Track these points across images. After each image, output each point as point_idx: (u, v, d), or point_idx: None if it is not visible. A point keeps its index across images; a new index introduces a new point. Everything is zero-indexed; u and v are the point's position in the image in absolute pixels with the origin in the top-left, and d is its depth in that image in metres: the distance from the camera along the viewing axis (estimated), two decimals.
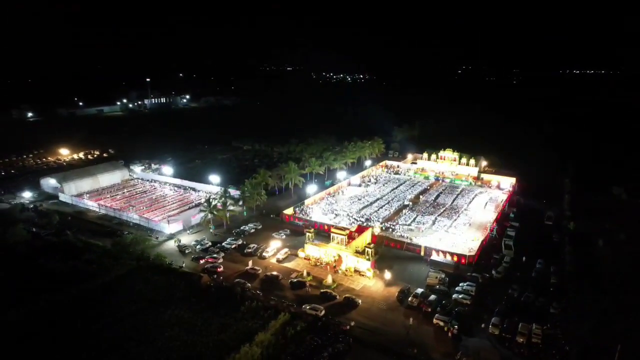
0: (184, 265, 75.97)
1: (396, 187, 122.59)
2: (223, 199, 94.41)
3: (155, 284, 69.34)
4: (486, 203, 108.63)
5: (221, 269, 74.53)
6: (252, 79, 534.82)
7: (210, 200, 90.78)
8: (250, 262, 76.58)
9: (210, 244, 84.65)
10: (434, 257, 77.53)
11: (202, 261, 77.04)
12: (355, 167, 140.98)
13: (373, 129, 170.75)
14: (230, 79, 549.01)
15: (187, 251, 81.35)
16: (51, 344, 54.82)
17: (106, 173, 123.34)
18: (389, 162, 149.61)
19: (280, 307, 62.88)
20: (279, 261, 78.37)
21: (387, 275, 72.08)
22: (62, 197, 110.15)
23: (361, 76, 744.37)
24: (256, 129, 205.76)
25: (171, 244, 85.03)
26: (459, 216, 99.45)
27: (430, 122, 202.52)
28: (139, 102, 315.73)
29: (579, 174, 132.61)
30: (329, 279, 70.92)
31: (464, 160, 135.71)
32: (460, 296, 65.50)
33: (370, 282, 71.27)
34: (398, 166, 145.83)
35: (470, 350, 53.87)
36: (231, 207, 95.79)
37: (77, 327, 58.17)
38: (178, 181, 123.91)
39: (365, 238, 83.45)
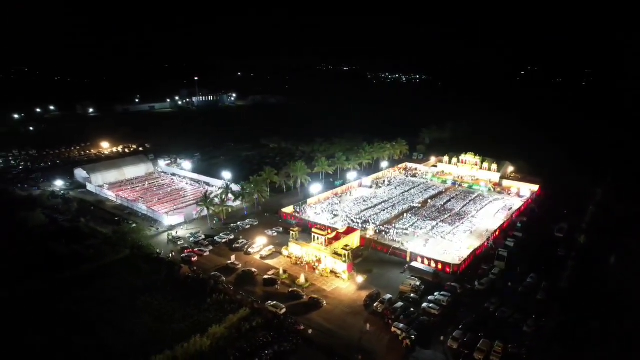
0: (171, 255, 79.80)
1: (407, 190, 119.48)
2: (223, 195, 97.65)
3: (140, 272, 73.55)
4: (498, 211, 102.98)
5: (195, 258, 77.52)
6: (308, 79, 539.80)
7: (207, 195, 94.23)
8: (233, 257, 78.77)
9: (203, 237, 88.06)
10: (415, 263, 75.09)
11: (186, 252, 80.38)
12: (372, 168, 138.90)
13: (405, 130, 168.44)
14: (286, 78, 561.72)
15: (179, 242, 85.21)
16: (29, 321, 59.94)
17: (131, 166, 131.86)
18: (409, 165, 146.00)
19: (244, 302, 64.28)
20: (262, 258, 79.85)
21: (360, 279, 71.08)
22: (89, 187, 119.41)
23: (417, 77, 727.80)
24: (291, 128, 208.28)
25: (173, 233, 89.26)
26: (462, 223, 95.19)
27: (463, 125, 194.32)
28: (187, 100, 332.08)
29: (614, 184, 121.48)
30: (301, 279, 71.23)
31: (485, 165, 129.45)
32: (429, 305, 63.12)
33: (343, 285, 70.64)
34: (416, 169, 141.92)
35: None
36: (230, 203, 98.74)
37: (59, 308, 63.17)
38: (195, 176, 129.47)
39: (353, 240, 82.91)
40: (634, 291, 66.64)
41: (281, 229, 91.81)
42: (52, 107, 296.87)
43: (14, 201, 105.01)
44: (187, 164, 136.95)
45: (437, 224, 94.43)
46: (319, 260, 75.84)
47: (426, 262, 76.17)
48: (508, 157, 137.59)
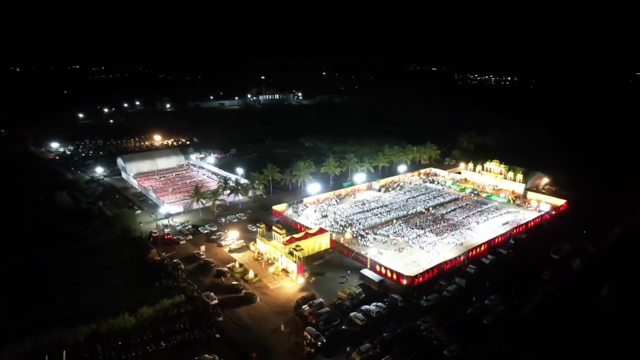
0: (151, 239, 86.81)
1: (415, 197, 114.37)
2: (220, 188, 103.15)
3: (119, 252, 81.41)
4: (503, 224, 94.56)
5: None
6: (392, 79, 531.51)
7: (199, 187, 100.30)
8: (202, 247, 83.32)
9: (191, 226, 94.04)
10: (364, 271, 72.62)
11: (166, 238, 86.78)
12: (389, 172, 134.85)
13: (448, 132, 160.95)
14: (369, 78, 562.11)
15: (166, 230, 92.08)
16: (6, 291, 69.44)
17: (164, 157, 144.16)
18: (433, 170, 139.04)
19: (186, 290, 68.18)
20: (230, 250, 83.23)
21: (301, 280, 71.03)
22: (123, 175, 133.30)
23: (509, 78, 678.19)
24: (339, 127, 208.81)
25: (164, 222, 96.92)
26: (452, 234, 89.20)
27: (510, 131, 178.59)
28: (254, 98, 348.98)
29: None
30: (250, 274, 73.17)
31: (511, 174, 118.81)
32: (356, 315, 61.19)
33: (289, 284, 71.15)
34: (436, 175, 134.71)
35: None
36: (226, 197, 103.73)
37: (39, 279, 72.47)
38: (217, 170, 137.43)
39: (320, 242, 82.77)
40: (595, 335, 57.70)
41: (264, 225, 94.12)
42: (137, 103, 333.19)
43: (55, 184, 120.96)
44: (211, 159, 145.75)
45: (424, 233, 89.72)
46: (276, 259, 77.11)
47: (384, 270, 73.28)
48: (554, 168, 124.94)
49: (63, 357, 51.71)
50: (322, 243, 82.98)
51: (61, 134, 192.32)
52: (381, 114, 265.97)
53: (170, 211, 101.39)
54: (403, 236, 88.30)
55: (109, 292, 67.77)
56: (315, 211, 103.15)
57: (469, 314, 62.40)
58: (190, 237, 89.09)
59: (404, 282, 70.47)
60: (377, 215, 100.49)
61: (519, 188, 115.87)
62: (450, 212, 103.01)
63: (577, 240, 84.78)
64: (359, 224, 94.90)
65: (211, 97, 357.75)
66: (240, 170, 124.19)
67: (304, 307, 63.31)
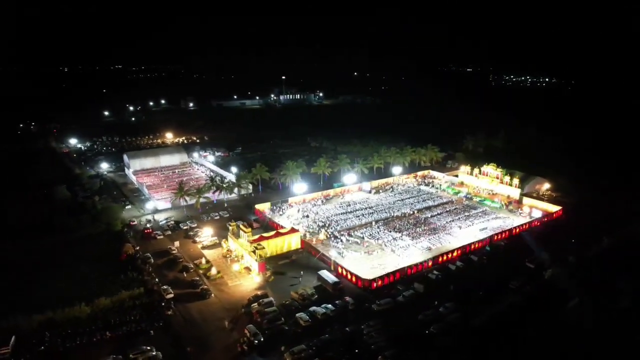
0: (131, 234, 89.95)
1: (404, 199, 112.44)
2: (208, 186, 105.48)
3: (98, 245, 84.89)
4: (480, 230, 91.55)
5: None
6: (423, 80, 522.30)
7: (182, 185, 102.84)
8: (176, 243, 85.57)
9: (173, 222, 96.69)
10: (322, 272, 72.21)
11: (145, 232, 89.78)
12: (384, 173, 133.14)
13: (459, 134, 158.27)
14: (401, 79, 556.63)
15: (148, 225, 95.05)
16: None
17: (167, 155, 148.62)
18: (432, 172, 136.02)
19: (147, 283, 70.29)
20: (203, 247, 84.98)
21: (257, 279, 71.70)
22: (126, 171, 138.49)
23: (546, 79, 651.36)
24: (350, 127, 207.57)
25: (148, 217, 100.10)
26: (429, 239, 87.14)
27: (520, 134, 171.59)
28: (275, 98, 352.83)
29: None
30: (213, 270, 74.52)
31: (507, 178, 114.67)
32: (301, 316, 61.12)
33: (248, 282, 71.94)
34: (434, 177, 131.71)
35: None
36: (210, 195, 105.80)
37: (21, 267, 76.61)
38: (215, 168, 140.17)
39: (290, 241, 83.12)
40: (544, 349, 55.00)
41: (245, 223, 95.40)
42: (162, 101, 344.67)
43: (60, 178, 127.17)
44: (211, 157, 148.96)
45: (400, 237, 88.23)
46: (242, 256, 78.12)
47: (344, 272, 72.77)
48: (560, 174, 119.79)
49: (11, 342, 54.68)
50: (292, 243, 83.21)
51: (84, 130, 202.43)
52: (400, 115, 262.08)
53: (158, 207, 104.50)
54: (378, 239, 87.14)
55: (75, 283, 70.59)
56: (298, 211, 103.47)
57: (419, 320, 60.88)
58: (169, 232, 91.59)
59: (361, 284, 69.57)
60: (358, 216, 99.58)
61: (515, 193, 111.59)
62: (435, 215, 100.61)
63: (559, 249, 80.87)
64: (337, 224, 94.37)
65: (235, 97, 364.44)
66: (234, 169, 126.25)
67: (253, 305, 63.89)
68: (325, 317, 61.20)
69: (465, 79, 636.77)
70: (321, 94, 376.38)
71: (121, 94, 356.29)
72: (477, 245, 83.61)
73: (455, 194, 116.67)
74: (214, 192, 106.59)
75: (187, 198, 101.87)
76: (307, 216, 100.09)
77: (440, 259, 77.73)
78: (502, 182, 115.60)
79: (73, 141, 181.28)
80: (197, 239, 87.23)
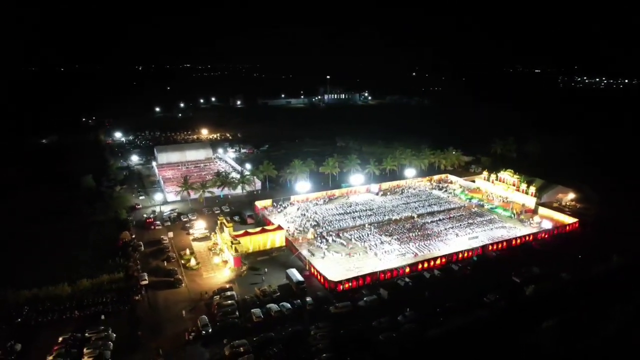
0: (133, 223, 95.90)
1: (409, 203, 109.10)
2: (215, 181, 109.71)
3: (101, 230, 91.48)
4: (470, 239, 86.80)
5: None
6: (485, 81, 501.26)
7: (187, 179, 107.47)
8: (170, 233, 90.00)
9: (176, 214, 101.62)
10: (290, 270, 72.27)
11: (147, 222, 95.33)
12: (397, 175, 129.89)
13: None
14: (462, 80, 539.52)
15: (152, 215, 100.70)
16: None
17: (193, 150, 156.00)
18: (450, 177, 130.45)
19: (129, 269, 74.78)
20: (194, 239, 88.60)
21: (227, 272, 73.60)
22: (153, 163, 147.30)
23: (625, 80, 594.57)
24: (384, 128, 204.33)
25: (156, 208, 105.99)
26: (417, 245, 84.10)
27: (558, 139, 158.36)
28: (319, 97, 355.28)
29: None
30: (192, 261, 77.51)
31: (524, 186, 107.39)
32: (255, 312, 61.93)
33: (221, 275, 74.08)
34: (451, 182, 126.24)
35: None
36: (211, 190, 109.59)
37: (22, 248, 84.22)
38: (234, 164, 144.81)
39: (274, 239, 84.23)
40: None
41: (227, 217, 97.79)
42: (213, 99, 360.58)
43: (89, 168, 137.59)
44: (231, 154, 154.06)
45: (389, 241, 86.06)
46: (222, 250, 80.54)
47: (316, 273, 72.61)
48: (592, 183, 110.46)
49: None
50: (275, 240, 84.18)
51: (135, 124, 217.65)
52: (440, 117, 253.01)
53: (168, 199, 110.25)
54: (365, 242, 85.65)
55: (67, 265, 76.09)
56: (297, 209, 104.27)
57: (372, 327, 59.25)
58: (169, 223, 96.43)
59: (327, 286, 69.01)
60: (354, 218, 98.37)
61: (531, 202, 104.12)
62: (435, 221, 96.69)
63: (557, 265, 74.63)
64: (330, 225, 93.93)
65: (282, 95, 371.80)
66: (248, 166, 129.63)
67: (215, 297, 65.78)
68: (278, 314, 61.55)
69: (532, 80, 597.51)
70: (366, 94, 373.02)
71: (180, 91, 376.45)
72: (466, 255, 79.33)
73: (468, 200, 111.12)
74: (219, 187, 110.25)
75: (193, 192, 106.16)
76: (304, 215, 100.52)
77: (419, 266, 74.76)
78: (518, 190, 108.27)
79: (118, 134, 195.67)
80: (191, 231, 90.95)
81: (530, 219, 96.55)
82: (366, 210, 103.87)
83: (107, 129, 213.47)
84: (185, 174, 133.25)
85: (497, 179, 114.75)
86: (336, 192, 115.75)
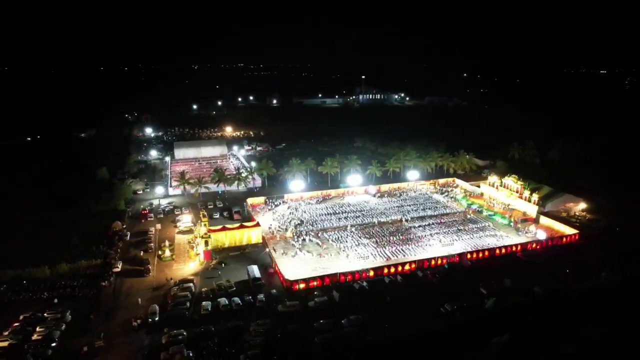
0: (130, 214, 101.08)
1: (403, 206, 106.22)
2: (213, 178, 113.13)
3: (99, 220, 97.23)
4: (444, 246, 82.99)
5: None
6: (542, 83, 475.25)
7: (184, 174, 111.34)
8: (158, 226, 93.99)
9: (172, 207, 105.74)
10: (251, 266, 72.92)
11: (142, 213, 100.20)
12: (399, 177, 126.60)
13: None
14: (516, 81, 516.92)
15: (149, 207, 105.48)
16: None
17: (209, 147, 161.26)
18: (457, 181, 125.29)
19: (107, 256, 78.97)
20: (179, 232, 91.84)
21: (191, 264, 75.64)
22: (166, 158, 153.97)
23: None
24: (408, 130, 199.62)
25: (159, 201, 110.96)
26: (392, 249, 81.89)
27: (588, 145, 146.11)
28: (354, 97, 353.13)
29: None
30: (166, 253, 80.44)
31: (528, 193, 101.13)
32: (204, 305, 63.28)
33: (189, 267, 76.34)
34: (457, 186, 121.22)
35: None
36: (207, 185, 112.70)
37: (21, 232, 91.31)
38: (244, 162, 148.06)
39: (250, 235, 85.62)
40: None
41: (204, 212, 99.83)
42: (251, 98, 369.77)
43: (112, 161, 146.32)
44: (242, 151, 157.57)
45: (366, 244, 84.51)
46: (198, 243, 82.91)
47: (280, 271, 72.96)
48: (610, 193, 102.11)
49: None
50: (252, 236, 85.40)
51: (171, 120, 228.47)
52: (473, 119, 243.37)
53: (169, 192, 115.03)
54: (341, 243, 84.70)
55: (57, 249, 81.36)
56: (288, 207, 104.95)
57: (314, 328, 58.60)
58: (162, 215, 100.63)
59: (284, 284, 69.11)
60: (340, 219, 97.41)
61: (532, 210, 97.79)
62: (423, 226, 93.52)
63: (533, 278, 69.83)
64: (314, 224, 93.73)
65: (319, 95, 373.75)
66: (253, 163, 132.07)
67: (174, 288, 68.02)
68: (226, 309, 62.56)
69: (595, 81, 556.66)
70: (403, 95, 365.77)
71: (226, 89, 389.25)
72: (439, 262, 76.12)
73: (468, 205, 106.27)
74: (215, 183, 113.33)
75: (187, 187, 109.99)
76: (292, 213, 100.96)
77: (385, 270, 72.73)
78: (521, 197, 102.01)
79: (149, 130, 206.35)
80: (178, 224, 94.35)
81: (526, 229, 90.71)
82: (356, 211, 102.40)
83: (143, 124, 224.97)
84: (196, 169, 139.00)
85: (501, 185, 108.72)
86: (332, 192, 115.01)
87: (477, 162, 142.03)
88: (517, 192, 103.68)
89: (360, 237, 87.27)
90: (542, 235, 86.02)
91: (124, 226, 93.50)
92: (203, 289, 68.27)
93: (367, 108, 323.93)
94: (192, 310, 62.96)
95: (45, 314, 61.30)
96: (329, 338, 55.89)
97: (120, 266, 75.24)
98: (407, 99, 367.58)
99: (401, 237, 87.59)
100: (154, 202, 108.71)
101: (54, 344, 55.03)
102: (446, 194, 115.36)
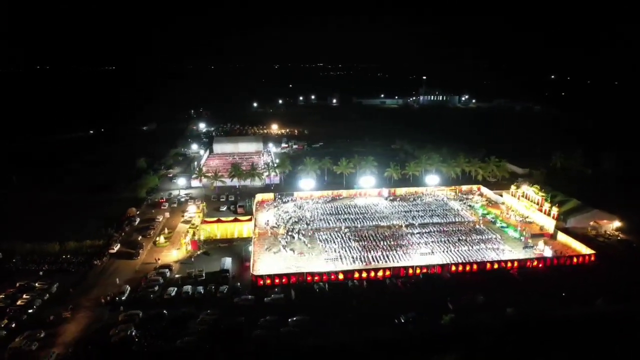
0: (149, 201, 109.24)
1: (414, 211, 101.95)
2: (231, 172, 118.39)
3: (121, 204, 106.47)
4: (421, 255, 78.39)
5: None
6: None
7: (202, 168, 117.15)
8: (167, 214, 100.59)
9: (188, 197, 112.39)
10: (224, 259, 75.08)
11: (159, 201, 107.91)
12: (418, 181, 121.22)
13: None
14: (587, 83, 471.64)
15: (168, 196, 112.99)
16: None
17: (246, 143, 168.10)
18: (483, 189, 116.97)
19: (111, 239, 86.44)
20: (183, 221, 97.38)
21: (174, 252, 79.67)
22: (200, 152, 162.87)
23: None
24: (448, 134, 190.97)
25: (179, 191, 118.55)
26: (378, 255, 79.38)
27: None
28: (414, 98, 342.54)
29: None
30: (161, 239, 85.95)
31: (548, 206, 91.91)
32: (170, 290, 66.93)
33: (172, 254, 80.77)
34: (476, 193, 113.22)
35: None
36: (223, 180, 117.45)
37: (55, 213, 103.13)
38: (272, 158, 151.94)
39: (242, 229, 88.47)
40: None
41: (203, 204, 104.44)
42: (312, 97, 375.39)
43: (156, 153, 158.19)
44: (275, 149, 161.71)
45: (353, 247, 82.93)
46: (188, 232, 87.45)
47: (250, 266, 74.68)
48: None
49: None
50: (243, 230, 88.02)
51: (229, 116, 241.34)
52: (541, 124, 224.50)
53: (192, 184, 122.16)
54: (329, 243, 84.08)
55: (72, 228, 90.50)
56: (293, 205, 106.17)
57: (258, 324, 59.16)
58: (175, 205, 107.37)
59: (253, 279, 70.45)
60: (340, 220, 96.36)
61: (551, 225, 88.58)
62: (422, 233, 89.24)
63: (510, 298, 63.74)
64: (311, 223, 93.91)
65: (382, 95, 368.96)
66: (277, 161, 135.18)
67: (151, 272, 72.75)
68: (187, 296, 65.57)
69: None
70: (467, 97, 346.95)
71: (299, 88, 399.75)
72: (418, 271, 72.32)
73: (484, 215, 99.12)
74: (230, 178, 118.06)
75: (204, 180, 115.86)
76: (295, 211, 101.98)
77: (356, 275, 70.86)
78: (540, 210, 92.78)
79: (202, 125, 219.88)
80: (184, 214, 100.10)
81: (534, 245, 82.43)
82: (360, 213, 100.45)
83: (202, 120, 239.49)
84: (229, 164, 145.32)
85: (523, 195, 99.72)
86: (344, 192, 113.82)
87: (514, 169, 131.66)
88: (537, 203, 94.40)
89: (350, 240, 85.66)
90: (548, 253, 77.67)
91: (137, 212, 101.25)
92: (176, 276, 72.04)
93: (425, 109, 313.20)
94: (158, 294, 66.80)
95: (36, 284, 69.00)
96: (265, 335, 56.19)
97: (116, 248, 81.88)
98: (473, 101, 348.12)
99: (392, 242, 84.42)
100: (173, 192, 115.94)
101: (30, 311, 61.97)
102: (464, 201, 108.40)
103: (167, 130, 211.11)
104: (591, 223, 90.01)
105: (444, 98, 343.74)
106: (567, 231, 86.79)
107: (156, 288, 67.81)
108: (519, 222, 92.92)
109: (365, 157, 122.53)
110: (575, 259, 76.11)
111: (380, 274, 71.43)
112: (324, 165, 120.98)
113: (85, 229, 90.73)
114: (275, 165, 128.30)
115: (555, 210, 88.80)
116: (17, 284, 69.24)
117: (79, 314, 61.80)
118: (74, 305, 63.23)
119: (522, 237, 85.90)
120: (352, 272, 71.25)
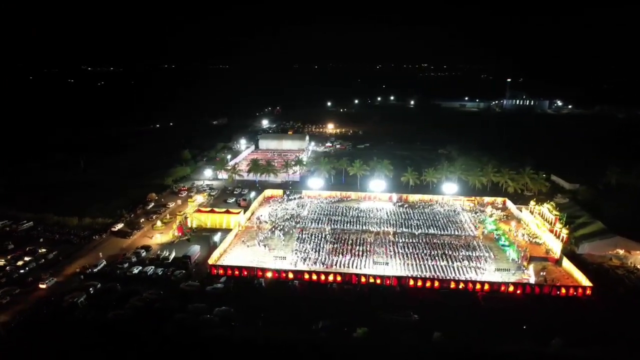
0: (175, 189, 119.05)
1: (416, 219, 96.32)
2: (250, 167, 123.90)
3: (150, 189, 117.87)
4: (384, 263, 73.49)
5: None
6: None
7: (223, 160, 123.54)
8: (179, 201, 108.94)
9: (208, 188, 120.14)
10: (192, 246, 79.19)
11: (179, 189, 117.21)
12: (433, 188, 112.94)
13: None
14: None
15: (191, 186, 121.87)
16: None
17: (289, 140, 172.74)
18: (508, 203, 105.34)
19: (120, 218, 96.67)
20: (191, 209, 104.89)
21: (157, 236, 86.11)
22: (241, 147, 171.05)
23: None
24: (503, 142, 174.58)
25: (204, 182, 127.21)
26: (344, 260, 77.32)
27: None
28: (497, 102, 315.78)
29: None
30: (158, 223, 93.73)
31: (559, 227, 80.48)
32: (133, 269, 73.19)
33: (164, 237, 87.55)
34: (497, 207, 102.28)
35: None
36: (242, 174, 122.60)
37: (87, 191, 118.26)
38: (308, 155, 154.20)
39: (229, 220, 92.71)
40: None
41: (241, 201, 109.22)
42: (391, 98, 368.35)
43: (207, 145, 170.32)
44: (310, 147, 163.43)
45: (324, 248, 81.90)
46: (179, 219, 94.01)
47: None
48: None
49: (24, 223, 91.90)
50: (230, 222, 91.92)
51: (301, 114, 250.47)
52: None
53: (219, 176, 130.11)
54: (305, 243, 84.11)
55: (97, 206, 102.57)
56: (297, 203, 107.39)
57: (188, 309, 62.19)
58: (192, 194, 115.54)
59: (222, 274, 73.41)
60: (331, 221, 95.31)
61: (557, 248, 77.26)
62: (409, 243, 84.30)
63: (448, 323, 57.75)
64: (300, 222, 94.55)
65: (466, 98, 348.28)
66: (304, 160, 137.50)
67: (131, 250, 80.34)
68: (145, 275, 71.29)
69: None
70: (560, 103, 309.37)
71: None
72: (371, 280, 68.96)
73: (491, 231, 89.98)
74: (247, 173, 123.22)
75: (223, 173, 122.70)
76: (293, 208, 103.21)
77: (306, 276, 70.10)
78: (551, 231, 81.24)
79: (265, 121, 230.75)
80: (192, 202, 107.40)
81: (526, 269, 72.79)
82: (356, 217, 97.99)
83: (274, 116, 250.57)
84: (269, 159, 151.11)
85: (539, 213, 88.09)
86: (352, 194, 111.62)
87: (562, 184, 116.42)
88: (550, 223, 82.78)
89: (327, 242, 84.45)
90: (533, 279, 68.17)
91: (156, 198, 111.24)
92: (149, 256, 78.43)
93: (506, 115, 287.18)
94: (125, 270, 73.57)
95: (40, 250, 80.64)
96: (185, 319, 58.96)
97: (118, 227, 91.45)
98: (569, 106, 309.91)
99: (366, 248, 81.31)
100: (196, 182, 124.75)
101: (22, 271, 72.90)
102: (478, 214, 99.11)
103: (237, 126, 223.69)
104: (615, 252, 76.30)
105: (533, 102, 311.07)
106: (576, 258, 74.82)
107: (126, 265, 74.64)
108: (526, 242, 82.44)
109: (379, 160, 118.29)
110: (564, 290, 65.61)
111: (330, 277, 69.56)
112: (341, 165, 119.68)
113: (107, 207, 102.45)
114: (288, 163, 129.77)
115: (565, 233, 77.08)
116: (27, 248, 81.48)
117: (55, 279, 70.76)
118: (53, 272, 72.60)
119: (518, 259, 76.35)
120: (302, 272, 70.57)
